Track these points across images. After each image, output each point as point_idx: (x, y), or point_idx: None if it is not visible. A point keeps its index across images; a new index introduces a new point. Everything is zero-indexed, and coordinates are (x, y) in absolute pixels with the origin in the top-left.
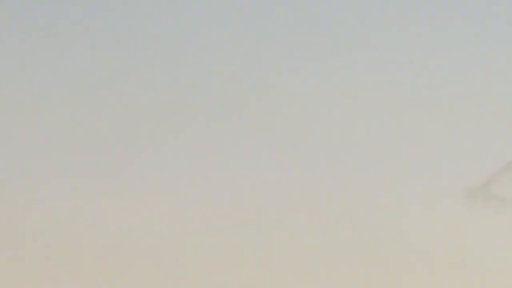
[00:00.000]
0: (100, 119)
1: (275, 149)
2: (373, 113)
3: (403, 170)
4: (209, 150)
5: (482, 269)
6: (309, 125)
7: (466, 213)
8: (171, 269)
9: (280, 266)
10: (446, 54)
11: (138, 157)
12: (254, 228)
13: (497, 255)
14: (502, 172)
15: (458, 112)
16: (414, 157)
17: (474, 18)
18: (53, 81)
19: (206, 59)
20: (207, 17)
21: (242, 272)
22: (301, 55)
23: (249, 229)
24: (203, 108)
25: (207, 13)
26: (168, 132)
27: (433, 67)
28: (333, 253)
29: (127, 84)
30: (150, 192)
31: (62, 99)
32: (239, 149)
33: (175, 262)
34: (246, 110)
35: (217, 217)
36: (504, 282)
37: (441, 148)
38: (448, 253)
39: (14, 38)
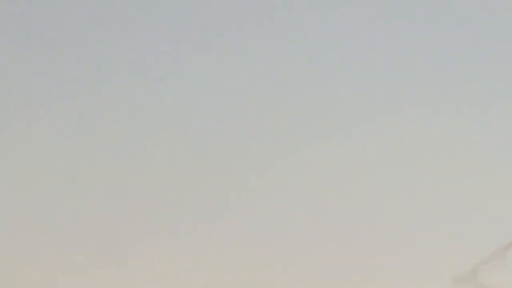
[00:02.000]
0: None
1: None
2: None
3: (389, 255)
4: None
5: None
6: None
7: None
8: None
9: None
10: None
11: (138, 243)
12: None
13: None
14: (490, 259)
15: (448, 200)
16: (401, 241)
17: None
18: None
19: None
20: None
21: None
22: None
23: None
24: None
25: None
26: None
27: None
28: None
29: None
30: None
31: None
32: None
33: None
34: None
35: None
36: None
37: (429, 233)
38: None
39: None
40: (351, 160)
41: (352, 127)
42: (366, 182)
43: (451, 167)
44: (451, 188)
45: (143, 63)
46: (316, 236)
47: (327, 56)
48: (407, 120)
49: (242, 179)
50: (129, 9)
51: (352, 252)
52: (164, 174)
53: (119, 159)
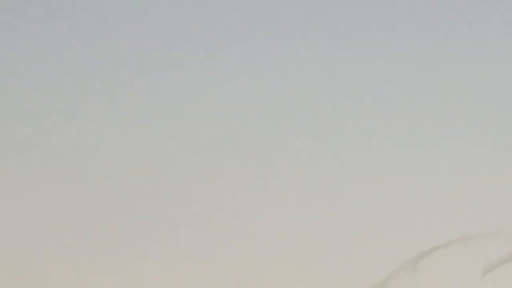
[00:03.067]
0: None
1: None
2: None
3: (297, 268)
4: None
5: None
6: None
7: None
8: None
9: None
10: None
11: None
12: None
13: None
14: (401, 270)
15: (359, 212)
16: (316, 250)
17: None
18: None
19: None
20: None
21: None
22: None
23: None
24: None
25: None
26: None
27: None
28: None
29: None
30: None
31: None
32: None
33: None
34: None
35: None
36: None
37: (339, 245)
38: None
39: None
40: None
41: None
42: None
43: (361, 184)
44: (362, 201)
45: None
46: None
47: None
48: None
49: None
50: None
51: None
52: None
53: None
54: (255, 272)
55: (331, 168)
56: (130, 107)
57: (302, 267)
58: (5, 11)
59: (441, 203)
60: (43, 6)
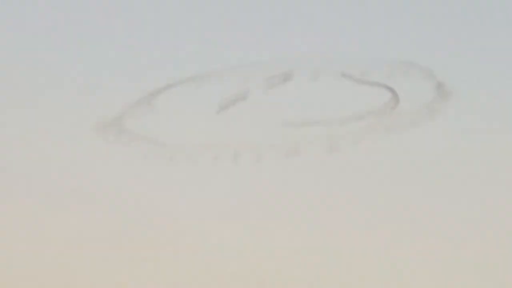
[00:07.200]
0: None
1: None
2: None
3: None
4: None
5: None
6: None
7: (97, 146)
8: None
9: None
10: None
11: None
12: None
13: (126, 185)
14: (136, 104)
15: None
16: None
17: None
18: None
19: None
20: None
21: None
22: None
23: None
24: None
25: None
26: None
27: None
28: None
29: None
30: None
31: None
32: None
33: None
34: None
35: None
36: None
37: (73, 79)
38: (87, 186)
39: None
40: None
41: None
42: None
43: None
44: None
45: None
46: None
47: None
48: None
49: None
50: None
51: None
52: None
53: None
54: None
55: None
56: None
57: None
58: None
59: (171, 44)
60: None
